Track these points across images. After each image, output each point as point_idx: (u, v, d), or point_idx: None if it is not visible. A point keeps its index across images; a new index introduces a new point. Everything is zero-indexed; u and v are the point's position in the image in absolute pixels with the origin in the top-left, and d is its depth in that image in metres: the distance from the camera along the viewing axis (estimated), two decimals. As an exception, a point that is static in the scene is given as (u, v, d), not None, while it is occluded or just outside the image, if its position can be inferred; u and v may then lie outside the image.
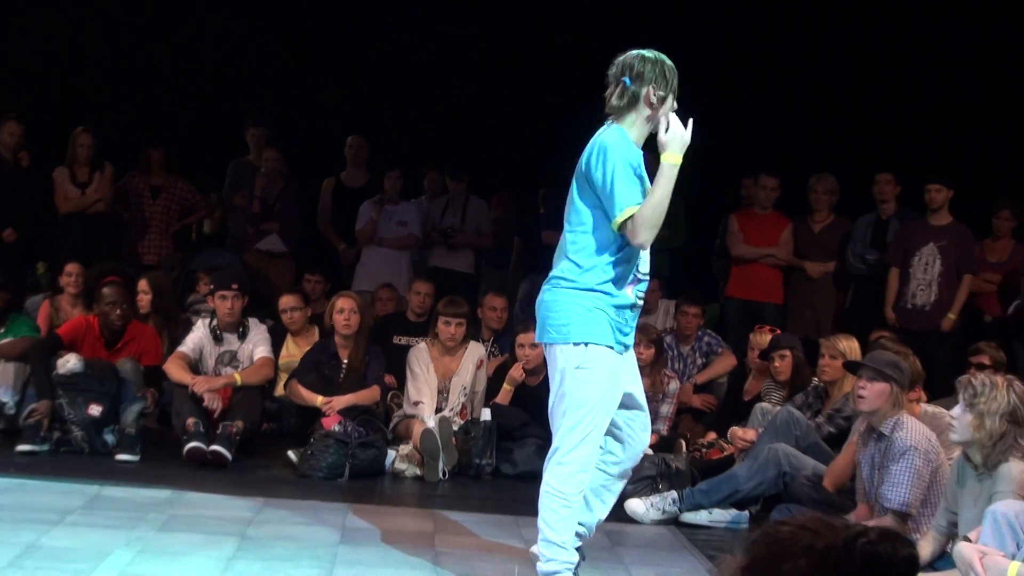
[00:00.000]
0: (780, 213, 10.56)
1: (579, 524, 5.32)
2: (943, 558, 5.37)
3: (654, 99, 5.15)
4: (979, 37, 11.19)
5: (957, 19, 11.21)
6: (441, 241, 10.96)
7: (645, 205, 5.04)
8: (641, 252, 5.23)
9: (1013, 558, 4.63)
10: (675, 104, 5.20)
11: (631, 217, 5.02)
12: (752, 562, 1.93)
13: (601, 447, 5.33)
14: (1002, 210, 10.08)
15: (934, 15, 11.29)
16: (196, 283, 10.25)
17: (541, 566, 5.19)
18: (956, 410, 5.42)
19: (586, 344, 5.13)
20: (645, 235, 5.06)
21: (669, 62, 5.19)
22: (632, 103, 5.17)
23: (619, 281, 5.18)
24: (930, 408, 7.00)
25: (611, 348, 5.17)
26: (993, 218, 10.14)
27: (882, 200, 10.30)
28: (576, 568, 5.24)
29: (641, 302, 5.33)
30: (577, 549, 5.27)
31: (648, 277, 5.35)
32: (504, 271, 11.20)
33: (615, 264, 5.16)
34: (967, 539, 4.89)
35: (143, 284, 9.33)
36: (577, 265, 5.17)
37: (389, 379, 8.86)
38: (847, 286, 10.54)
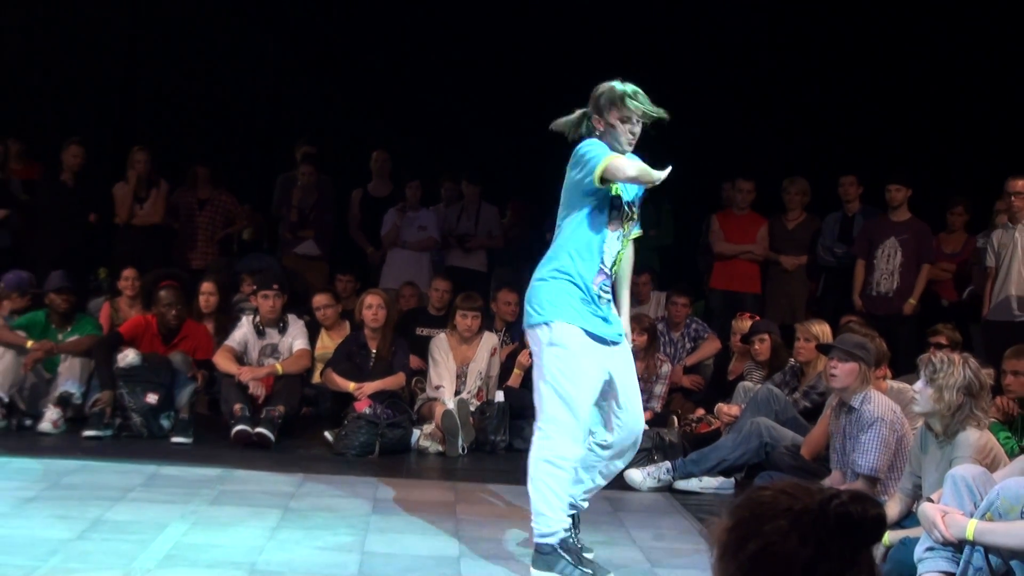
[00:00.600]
0: (756, 213, 10.54)
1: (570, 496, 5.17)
2: (909, 517, 5.34)
3: (601, 127, 5.10)
4: (934, 51, 11.14)
5: (914, 35, 11.17)
6: (457, 245, 10.95)
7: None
8: (604, 248, 5.11)
9: (971, 516, 4.60)
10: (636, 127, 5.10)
11: (608, 165, 4.89)
12: (737, 523, 1.92)
13: (592, 431, 5.22)
14: (956, 206, 10.04)
15: (893, 31, 11.25)
16: (240, 284, 10.24)
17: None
18: (918, 385, 5.39)
19: (550, 323, 5.04)
20: (629, 170, 4.90)
21: (620, 90, 5.07)
22: (589, 131, 5.15)
23: (586, 273, 5.09)
24: (895, 384, 6.99)
25: (582, 329, 5.06)
26: (948, 214, 10.10)
27: (847, 200, 10.27)
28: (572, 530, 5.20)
29: (606, 295, 5.18)
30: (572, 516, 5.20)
31: (612, 273, 5.21)
32: (511, 269, 11.13)
33: (579, 255, 5.08)
34: (930, 500, 4.86)
35: (209, 286, 9.30)
36: (549, 258, 5.14)
37: (417, 362, 8.85)
38: (818, 276, 10.52)
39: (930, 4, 11.07)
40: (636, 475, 7.11)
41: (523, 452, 8.04)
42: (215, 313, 9.24)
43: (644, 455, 7.44)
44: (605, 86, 5.13)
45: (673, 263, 11.18)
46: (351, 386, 8.31)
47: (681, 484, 7.14)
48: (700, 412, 8.53)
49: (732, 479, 7.23)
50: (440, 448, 8.02)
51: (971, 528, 4.52)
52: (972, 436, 5.19)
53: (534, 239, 11.20)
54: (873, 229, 9.83)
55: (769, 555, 1.84)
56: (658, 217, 10.59)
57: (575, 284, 5.07)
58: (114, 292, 9.76)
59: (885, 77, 11.38)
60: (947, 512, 4.67)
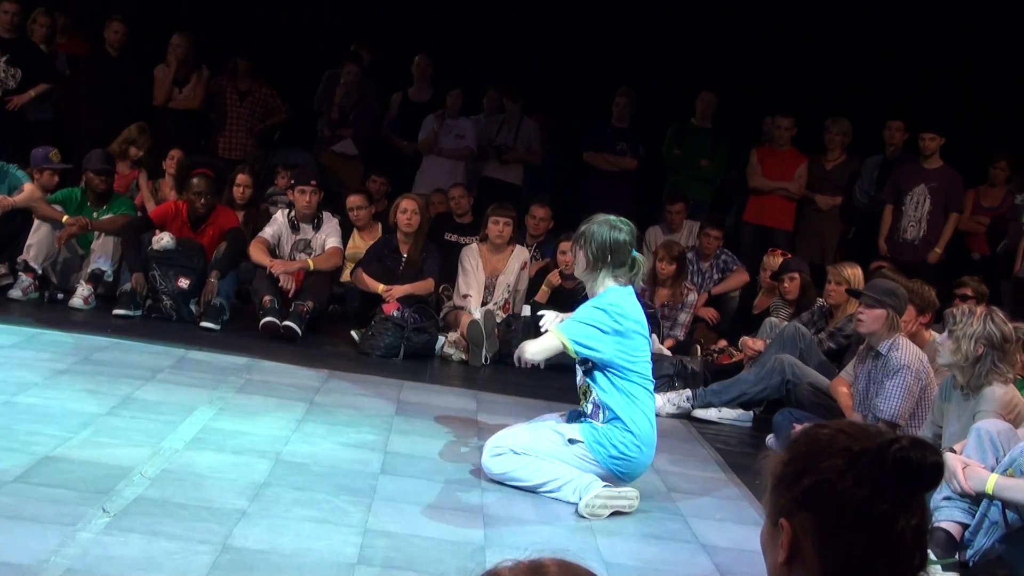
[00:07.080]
0: (797, 150, 10.43)
1: None
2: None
3: None
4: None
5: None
6: (494, 156, 10.88)
7: None
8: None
9: (992, 471, 4.63)
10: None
11: None
12: (793, 457, 1.92)
13: None
14: (999, 161, 9.93)
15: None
16: (275, 177, 10.24)
17: None
18: (942, 336, 5.43)
19: None
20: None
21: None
22: None
23: None
24: (938, 336, 6.95)
25: None
26: (991, 167, 9.98)
27: (891, 143, 10.16)
28: None
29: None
30: None
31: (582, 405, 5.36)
32: (545, 185, 11.09)
33: None
34: (952, 450, 4.89)
35: (245, 178, 9.27)
36: None
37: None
38: (852, 219, 10.44)
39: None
40: (657, 400, 7.15)
41: (546, 368, 8.16)
42: (247, 205, 9.25)
43: (665, 381, 7.50)
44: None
45: (718, 195, 11.10)
46: (380, 287, 8.34)
47: (700, 413, 7.20)
48: (723, 343, 8.54)
49: (751, 412, 7.28)
50: (463, 356, 8.07)
51: (991, 482, 4.55)
52: (998, 391, 5.20)
53: (559, 153, 11.31)
54: (902, 175, 9.72)
55: (823, 492, 1.84)
56: (714, 150, 10.52)
57: None
58: (154, 172, 9.76)
59: (939, 24, 11.17)
60: (968, 464, 4.70)
